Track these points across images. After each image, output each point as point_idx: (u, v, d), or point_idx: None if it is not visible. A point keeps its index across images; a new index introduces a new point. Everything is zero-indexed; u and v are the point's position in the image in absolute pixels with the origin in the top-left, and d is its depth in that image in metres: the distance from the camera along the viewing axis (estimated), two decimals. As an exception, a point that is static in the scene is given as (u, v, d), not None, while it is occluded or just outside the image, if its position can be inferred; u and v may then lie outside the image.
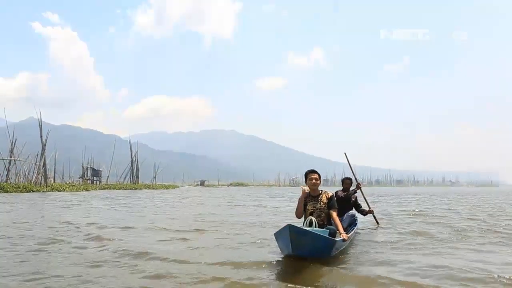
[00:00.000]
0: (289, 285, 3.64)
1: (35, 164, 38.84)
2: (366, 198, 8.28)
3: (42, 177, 37.38)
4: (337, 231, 5.15)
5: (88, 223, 8.54)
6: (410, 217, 10.24)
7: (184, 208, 14.37)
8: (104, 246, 5.71)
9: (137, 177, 55.87)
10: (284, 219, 9.41)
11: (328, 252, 4.73)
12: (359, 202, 8.03)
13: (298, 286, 3.59)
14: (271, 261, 4.62)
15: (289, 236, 4.24)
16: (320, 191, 5.54)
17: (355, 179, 8.12)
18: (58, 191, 34.59)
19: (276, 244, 4.90)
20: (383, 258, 4.89)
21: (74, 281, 3.82)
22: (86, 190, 38.75)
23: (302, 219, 5.47)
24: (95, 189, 42.81)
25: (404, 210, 12.84)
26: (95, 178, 53.44)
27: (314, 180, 5.46)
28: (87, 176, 52.21)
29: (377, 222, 8.26)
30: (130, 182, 54.88)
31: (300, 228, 4.43)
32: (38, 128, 38.24)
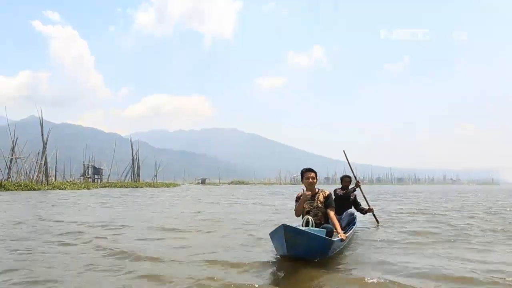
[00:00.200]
0: (282, 288, 3.50)
1: (36, 162, 38.88)
2: (366, 197, 8.19)
3: (43, 175, 37.42)
4: (335, 231, 5.00)
5: (82, 222, 8.44)
6: (410, 216, 10.20)
7: (183, 206, 14.35)
8: (95, 245, 5.62)
9: (138, 175, 55.92)
10: (282, 218, 9.34)
11: (325, 253, 4.56)
12: (358, 200, 7.94)
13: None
14: (266, 262, 4.51)
15: (283, 236, 4.12)
16: (317, 190, 5.42)
17: (354, 177, 8.02)
18: (59, 189, 34.64)
19: (272, 243, 4.76)
20: (383, 259, 4.75)
21: (60, 283, 3.73)
22: (87, 188, 38.80)
23: (300, 218, 5.33)
24: (96, 187, 42.85)
25: (405, 209, 12.81)
26: (96, 177, 53.52)
27: (310, 179, 5.33)
28: (88, 175, 52.28)
29: (377, 221, 8.16)
30: (131, 180, 54.92)
31: (295, 227, 4.31)
32: (39, 127, 38.28)
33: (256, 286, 3.56)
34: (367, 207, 8.02)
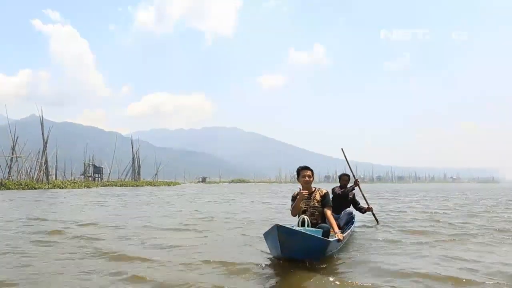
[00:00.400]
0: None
1: (36, 161, 38.92)
2: (365, 195, 8.04)
3: (44, 174, 37.43)
4: (332, 231, 4.83)
5: (74, 221, 8.40)
6: (410, 215, 10.17)
7: (180, 205, 14.29)
8: (82, 245, 5.50)
9: (139, 174, 55.98)
10: (280, 217, 9.27)
11: (321, 254, 4.39)
12: (357, 199, 7.82)
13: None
14: (259, 263, 4.35)
15: (277, 237, 3.93)
16: (314, 188, 5.23)
17: (353, 175, 7.89)
18: (60, 188, 34.67)
19: (266, 244, 4.57)
20: (380, 261, 4.55)
21: (38, 284, 3.63)
22: (88, 187, 38.84)
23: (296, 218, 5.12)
24: (97, 186, 42.89)
25: (405, 207, 12.81)
26: (96, 175, 53.60)
27: (307, 177, 5.13)
28: (88, 173, 52.33)
29: (377, 220, 8.02)
30: (132, 179, 54.97)
31: (289, 228, 4.12)
32: (40, 126, 38.29)
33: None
34: (366, 206, 7.88)
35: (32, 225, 7.86)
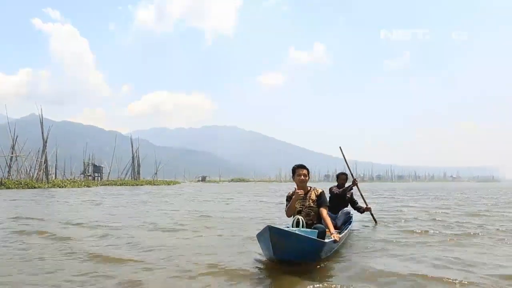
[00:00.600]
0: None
1: (36, 160, 38.91)
2: (363, 195, 7.89)
3: (44, 173, 37.43)
4: (328, 231, 4.66)
5: (67, 221, 8.29)
6: (409, 214, 10.11)
7: (178, 204, 14.18)
8: (71, 247, 5.28)
9: (138, 173, 55.98)
10: (277, 217, 9.18)
11: (316, 256, 4.20)
12: (355, 198, 7.66)
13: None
14: (252, 266, 4.19)
15: (269, 238, 3.76)
16: (309, 188, 5.02)
17: (351, 174, 7.71)
18: (60, 187, 34.68)
19: (259, 245, 4.35)
20: (379, 263, 4.36)
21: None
22: (88, 186, 38.84)
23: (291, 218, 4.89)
24: (97, 185, 42.91)
25: (404, 207, 12.78)
26: (96, 174, 53.62)
27: (302, 176, 4.92)
28: (88, 172, 52.35)
29: (375, 220, 7.87)
30: (132, 178, 54.98)
31: (281, 229, 3.92)
32: (39, 125, 38.27)
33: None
34: (364, 206, 7.75)
35: (20, 224, 7.73)
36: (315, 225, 4.66)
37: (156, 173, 62.53)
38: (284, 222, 5.28)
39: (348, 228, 6.21)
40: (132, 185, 47.00)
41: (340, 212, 6.90)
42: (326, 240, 4.35)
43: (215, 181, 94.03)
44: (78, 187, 36.74)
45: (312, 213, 4.84)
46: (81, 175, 52.54)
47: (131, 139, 57.58)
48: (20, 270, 4.09)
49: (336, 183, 7.68)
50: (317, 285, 3.50)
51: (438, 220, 8.57)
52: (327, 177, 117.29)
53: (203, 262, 4.35)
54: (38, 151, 38.83)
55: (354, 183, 7.40)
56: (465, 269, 4.07)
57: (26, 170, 39.44)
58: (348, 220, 6.79)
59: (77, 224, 7.85)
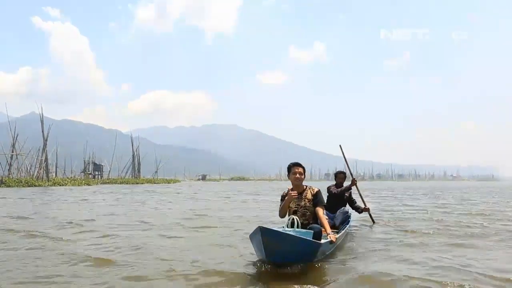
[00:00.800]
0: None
1: (36, 158, 38.95)
2: (362, 195, 7.74)
3: (44, 171, 37.47)
4: (324, 231, 4.45)
5: (58, 220, 8.23)
6: (409, 214, 10.06)
7: (174, 203, 14.10)
8: (59, 248, 5.08)
9: (139, 171, 55.99)
10: (272, 215, 9.07)
11: (311, 257, 4.00)
12: (353, 197, 7.53)
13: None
14: (243, 268, 4.01)
15: (261, 240, 3.57)
16: (305, 187, 4.83)
17: (351, 174, 7.53)
18: (60, 185, 34.71)
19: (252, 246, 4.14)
20: (378, 265, 4.19)
21: None
22: (88, 184, 38.87)
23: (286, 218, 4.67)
24: (97, 183, 42.96)
25: (404, 206, 12.76)
26: (96, 173, 53.63)
27: (298, 175, 4.73)
28: (88, 171, 52.36)
29: (373, 220, 7.75)
30: (132, 176, 54.99)
31: (274, 230, 3.71)
32: (40, 123, 38.30)
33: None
34: (363, 206, 7.61)
35: (20, 224, 7.68)
36: (310, 225, 4.47)
37: (156, 172, 62.53)
38: (282, 222, 5.06)
39: (346, 227, 6.09)
40: (132, 183, 47.03)
41: (338, 212, 6.78)
42: (322, 241, 4.16)
43: (215, 180, 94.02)
44: (79, 185, 36.77)
45: (308, 213, 4.67)
46: (82, 173, 52.54)
47: (131, 137, 57.55)
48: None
49: (334, 182, 7.53)
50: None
51: (438, 219, 8.50)
52: (327, 175, 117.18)
53: (195, 263, 4.22)
54: (39, 149, 38.88)
55: (353, 183, 7.20)
56: (465, 270, 3.93)
57: (27, 168, 39.49)
58: (346, 219, 6.68)
59: (68, 222, 7.69)
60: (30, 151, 40.33)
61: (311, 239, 3.99)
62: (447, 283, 3.45)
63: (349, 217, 6.81)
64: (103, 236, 6.04)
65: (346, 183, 7.41)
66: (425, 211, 10.62)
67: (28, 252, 4.88)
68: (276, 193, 22.44)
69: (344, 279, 3.68)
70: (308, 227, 4.42)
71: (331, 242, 4.35)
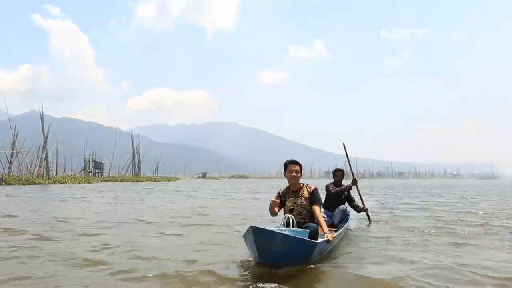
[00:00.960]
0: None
1: (37, 156, 38.95)
2: (361, 195, 7.60)
3: (44, 169, 37.49)
4: (321, 230, 4.31)
5: (53, 217, 8.17)
6: (408, 212, 10.04)
7: (173, 201, 14.06)
8: (47, 248, 4.95)
9: (139, 169, 56.02)
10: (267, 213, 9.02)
11: (307, 257, 3.83)
12: (352, 195, 7.42)
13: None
14: (235, 269, 3.85)
15: (253, 240, 3.44)
16: (301, 185, 4.68)
17: (352, 173, 7.44)
18: (60, 183, 34.72)
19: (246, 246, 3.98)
20: (376, 266, 4.04)
21: None
22: (88, 182, 38.89)
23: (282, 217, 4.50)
24: (97, 181, 42.98)
25: (403, 204, 12.71)
26: (97, 171, 53.67)
27: (294, 172, 4.59)
28: (89, 169, 52.39)
29: (369, 219, 7.60)
30: (132, 174, 55.02)
31: (266, 230, 3.55)
32: (40, 121, 38.27)
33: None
34: (361, 206, 7.46)
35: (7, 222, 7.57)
36: (306, 224, 4.35)
37: (156, 170, 62.57)
38: (279, 221, 4.88)
39: (345, 226, 5.98)
40: (132, 181, 47.05)
41: (336, 210, 6.68)
42: (318, 240, 3.99)
43: (215, 178, 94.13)
44: (79, 183, 36.79)
45: (305, 212, 4.54)
46: (82, 171, 52.57)
47: (131, 135, 57.55)
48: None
49: (332, 180, 7.41)
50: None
51: (437, 218, 8.45)
52: (327, 173, 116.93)
53: (186, 262, 4.10)
54: (39, 147, 38.87)
55: (354, 182, 7.05)
56: (464, 270, 3.83)
57: (27, 166, 39.48)
58: (345, 217, 6.59)
59: (59, 221, 7.58)
60: (30, 149, 40.32)
61: (306, 239, 3.84)
62: (447, 284, 3.38)
63: (348, 215, 6.74)
64: (94, 235, 5.95)
65: (345, 181, 7.34)
66: (425, 209, 10.58)
67: (12, 252, 4.69)
68: (276, 191, 22.42)
69: (340, 281, 3.56)
70: (304, 226, 4.30)
71: (327, 241, 4.20)
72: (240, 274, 3.67)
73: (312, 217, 4.52)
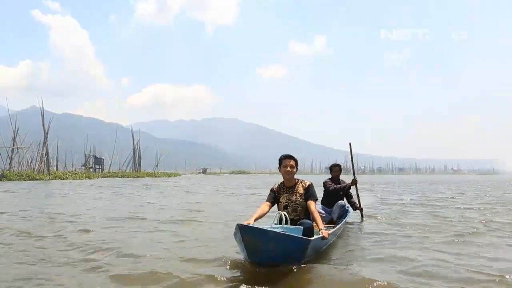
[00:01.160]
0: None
1: (37, 152, 38.99)
2: (359, 195, 7.44)
3: (45, 165, 37.53)
4: (316, 227, 4.13)
5: (46, 213, 8.12)
6: (407, 208, 10.03)
7: (171, 197, 13.99)
8: (35, 245, 4.84)
9: (139, 165, 56.10)
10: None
11: (301, 256, 3.60)
12: (350, 191, 7.26)
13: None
14: (224, 269, 3.66)
15: (241, 239, 3.28)
16: (296, 180, 4.51)
17: (353, 173, 7.15)
18: (61, 179, 34.79)
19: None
20: (372, 265, 3.85)
21: None
22: (89, 178, 38.97)
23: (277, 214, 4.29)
24: (97, 177, 43.08)
25: (402, 200, 12.66)
26: (97, 166, 53.77)
27: (289, 168, 4.42)
28: (89, 164, 52.47)
29: (362, 217, 7.33)
30: (132, 170, 55.10)
31: (254, 227, 3.36)
32: (40, 117, 38.27)
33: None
34: (357, 205, 7.27)
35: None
36: (301, 221, 4.19)
37: (157, 165, 62.67)
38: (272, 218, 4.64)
39: (342, 222, 5.83)
40: (133, 177, 47.14)
41: (335, 206, 6.59)
42: (312, 238, 3.73)
43: (215, 173, 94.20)
44: (79, 179, 36.87)
45: (300, 208, 4.38)
46: (82, 167, 52.65)
47: (131, 131, 57.57)
48: None
49: (329, 176, 7.33)
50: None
51: (436, 214, 8.40)
52: (327, 169, 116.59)
53: (177, 262, 3.95)
54: (39, 143, 38.91)
55: (354, 183, 6.91)
56: (463, 269, 3.73)
57: (28, 162, 39.55)
58: (343, 214, 6.49)
59: (53, 217, 7.53)
60: (30, 144, 40.37)
61: (298, 236, 3.63)
62: (446, 283, 3.30)
63: (347, 211, 6.65)
64: (85, 231, 5.84)
65: (342, 176, 7.28)
66: (424, 205, 10.56)
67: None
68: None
69: (336, 282, 3.35)
70: (298, 223, 4.16)
71: (323, 238, 3.92)
72: (231, 275, 3.47)
73: (308, 214, 4.34)
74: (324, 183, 7.04)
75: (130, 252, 4.36)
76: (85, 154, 53.03)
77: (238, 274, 3.52)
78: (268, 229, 3.50)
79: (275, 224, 4.09)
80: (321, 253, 4.20)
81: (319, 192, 6.91)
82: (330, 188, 6.86)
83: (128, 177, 45.39)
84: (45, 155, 37.58)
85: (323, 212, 6.49)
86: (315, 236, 3.84)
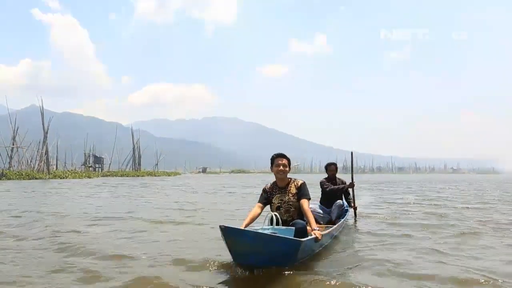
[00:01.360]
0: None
1: (37, 151, 38.97)
2: (355, 196, 7.33)
3: (45, 164, 37.52)
4: (308, 228, 3.93)
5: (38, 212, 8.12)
6: (406, 208, 10.01)
7: (168, 196, 13.95)
8: (18, 246, 4.74)
9: (139, 164, 56.12)
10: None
11: (291, 258, 3.42)
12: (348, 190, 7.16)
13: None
14: (213, 273, 3.49)
15: (225, 240, 3.14)
16: (289, 180, 4.35)
17: (352, 178, 7.00)
18: (61, 178, 34.77)
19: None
20: (370, 268, 3.70)
21: None
22: (89, 177, 38.97)
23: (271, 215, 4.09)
24: (97, 176, 43.06)
25: (401, 200, 12.67)
26: (97, 166, 53.73)
27: (281, 167, 4.25)
28: (89, 164, 52.46)
29: (355, 216, 7.27)
30: (132, 169, 55.10)
31: (238, 229, 3.19)
32: (40, 116, 38.25)
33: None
34: (353, 204, 7.15)
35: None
36: (293, 221, 4.03)
37: (157, 164, 62.70)
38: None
39: (341, 222, 5.71)
40: (132, 176, 47.15)
41: (333, 206, 6.49)
42: (303, 239, 3.51)
43: (215, 173, 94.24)
44: (79, 178, 36.86)
45: (292, 209, 4.21)
46: (82, 166, 52.63)
47: (131, 130, 57.58)
48: None
49: (339, 175, 7.21)
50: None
51: (435, 213, 8.37)
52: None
53: (166, 263, 3.85)
54: (39, 142, 38.89)
55: (351, 185, 6.84)
56: (462, 269, 3.68)
57: (27, 161, 39.53)
58: (342, 213, 6.41)
59: (44, 217, 7.45)
60: (30, 143, 40.33)
61: (287, 237, 3.39)
62: (445, 285, 3.25)
63: (346, 210, 6.58)
64: (74, 232, 5.74)
65: (342, 176, 7.25)
66: (423, 205, 10.52)
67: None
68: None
69: (329, 287, 3.13)
70: (290, 223, 4.02)
71: (316, 239, 3.75)
72: (217, 278, 3.32)
73: (301, 215, 4.16)
74: (320, 183, 6.93)
75: (119, 253, 4.21)
76: (85, 153, 53.00)
77: (224, 277, 3.37)
78: (252, 230, 3.36)
79: (267, 225, 3.94)
80: (316, 255, 4.05)
81: (318, 192, 6.96)
82: (327, 189, 6.77)
83: (128, 176, 45.39)
84: (45, 154, 37.57)
85: (322, 212, 6.45)
86: (307, 237, 3.65)
